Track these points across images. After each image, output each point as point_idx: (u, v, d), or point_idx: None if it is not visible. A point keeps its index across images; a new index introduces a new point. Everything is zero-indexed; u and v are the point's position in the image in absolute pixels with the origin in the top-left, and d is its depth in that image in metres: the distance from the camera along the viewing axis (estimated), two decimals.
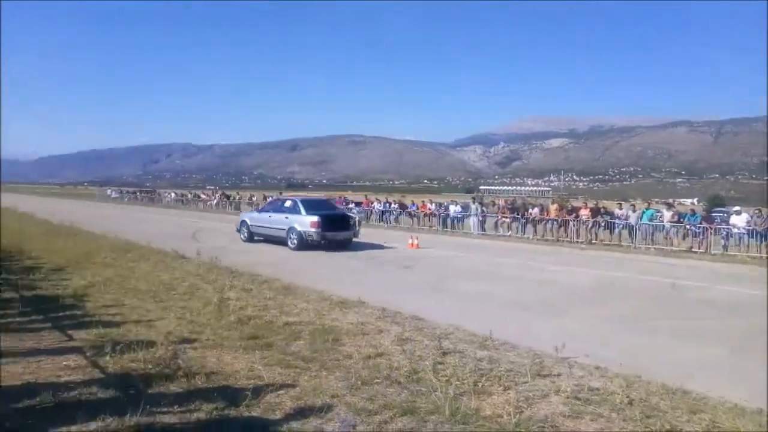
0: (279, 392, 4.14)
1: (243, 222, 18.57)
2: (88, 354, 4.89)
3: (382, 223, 29.66)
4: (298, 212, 16.51)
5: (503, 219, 24.38)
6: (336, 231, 16.39)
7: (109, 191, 79.10)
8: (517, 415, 3.83)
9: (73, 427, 3.36)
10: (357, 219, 18.57)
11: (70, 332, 5.67)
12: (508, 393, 4.26)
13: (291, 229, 16.22)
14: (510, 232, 23.69)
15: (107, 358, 4.76)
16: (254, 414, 3.72)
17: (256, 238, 17.76)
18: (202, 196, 54.24)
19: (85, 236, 16.48)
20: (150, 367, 4.57)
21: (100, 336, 5.42)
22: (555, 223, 22.56)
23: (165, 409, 3.71)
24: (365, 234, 18.81)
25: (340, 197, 39.96)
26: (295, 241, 15.92)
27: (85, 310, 6.74)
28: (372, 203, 32.86)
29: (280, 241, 16.58)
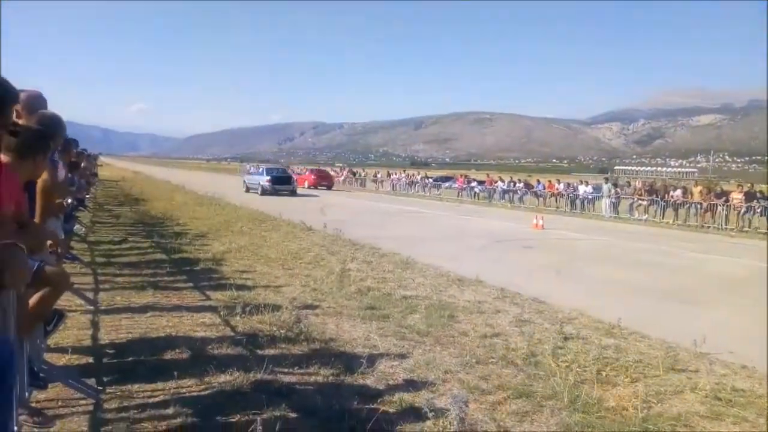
0: (393, 363, 4.19)
1: (244, 181, 32.36)
2: (221, 313, 5.29)
3: (505, 203, 28.93)
4: (263, 174, 29.98)
5: (639, 201, 22.67)
6: (281, 185, 28.63)
7: (248, 167, 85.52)
8: (645, 410, 3.53)
9: (205, 378, 3.65)
10: (295, 178, 32.56)
11: (208, 292, 6.17)
12: (636, 385, 3.95)
13: (259, 184, 28.83)
14: (646, 215, 21.99)
15: (238, 318, 5.11)
16: (368, 382, 3.79)
17: (251, 191, 29.38)
18: (331, 172, 56.56)
19: (225, 207, 17.90)
20: (275, 329, 4.82)
21: (233, 298, 5.82)
22: (700, 207, 20.52)
23: (286, 370, 3.90)
24: (486, 213, 18.52)
25: (461, 176, 39.62)
26: (259, 190, 28.31)
27: (222, 274, 7.30)
28: (495, 182, 32.13)
29: (255, 191, 28.60)
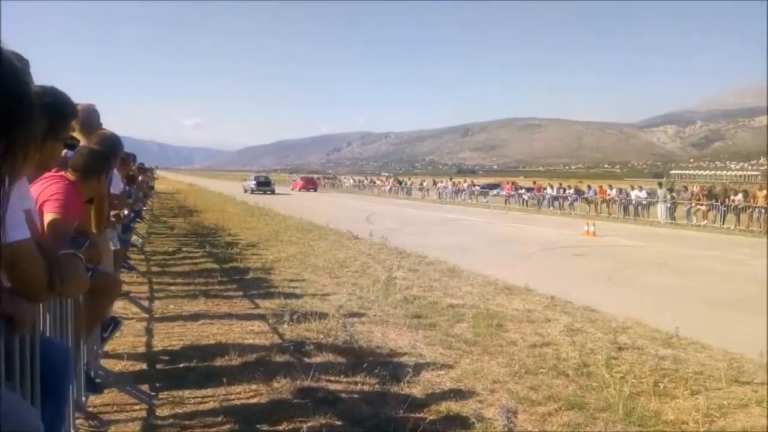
0: (439, 372, 4.13)
1: (243, 186, 45.18)
2: (270, 321, 5.36)
3: (554, 210, 28.32)
4: (252, 180, 44.96)
5: (698, 206, 21.74)
6: (264, 187, 42.20)
7: (296, 178, 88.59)
8: (707, 424, 3.35)
9: (253, 385, 3.69)
10: (273, 182, 46.45)
11: (257, 301, 6.27)
12: (697, 398, 3.75)
13: (250, 186, 42.86)
14: (705, 221, 21.08)
15: (285, 326, 5.17)
16: (414, 391, 3.74)
17: (245, 192, 40.98)
18: (377, 182, 57.02)
19: (275, 217, 18.24)
20: (321, 337, 4.85)
21: (282, 306, 5.90)
22: (764, 211, 19.50)
23: (332, 378, 3.90)
24: (534, 220, 18.18)
25: (508, 183, 39.14)
26: (249, 191, 41.06)
27: (271, 282, 7.41)
28: (544, 189, 31.53)
29: (248, 192, 40.81)
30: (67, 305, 2.27)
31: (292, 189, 51.04)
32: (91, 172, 3.06)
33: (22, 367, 1.62)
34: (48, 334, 2.09)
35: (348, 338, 4.81)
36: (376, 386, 3.80)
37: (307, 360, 4.27)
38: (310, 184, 53.63)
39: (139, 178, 10.63)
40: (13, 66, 1.09)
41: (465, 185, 40.03)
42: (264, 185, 43.10)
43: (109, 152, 3.46)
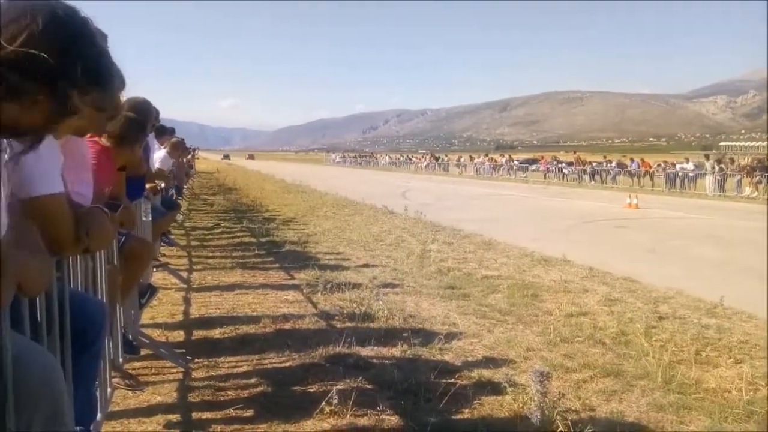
0: (472, 340, 4.10)
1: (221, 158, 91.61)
2: (304, 291, 5.42)
3: (595, 184, 27.62)
4: (221, 156, 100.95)
5: (748, 178, 20.85)
6: (226, 159, 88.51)
7: (333, 156, 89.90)
8: (751, 393, 3.22)
9: (286, 351, 3.74)
10: (230, 155, 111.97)
11: (292, 272, 6.34)
12: (740, 367, 3.61)
13: (221, 158, 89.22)
14: (756, 193, 20.21)
15: (319, 295, 5.22)
16: (446, 357, 3.73)
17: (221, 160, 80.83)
18: (414, 159, 56.93)
19: (311, 194, 18.40)
20: (355, 306, 4.87)
21: (316, 277, 5.94)
22: None
23: (364, 345, 3.91)
24: (574, 194, 17.85)
25: (542, 157, 38.56)
26: (221, 159, 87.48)
27: (306, 255, 7.48)
28: (585, 163, 30.78)
29: (222, 159, 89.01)
30: (96, 262, 2.32)
31: (246, 159, 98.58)
32: (125, 140, 3.10)
33: (50, 320, 1.65)
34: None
35: (381, 307, 4.82)
36: (408, 353, 3.79)
37: (339, 327, 4.30)
38: (251, 157, 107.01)
39: (181, 159, 10.82)
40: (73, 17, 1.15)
41: (503, 161, 39.40)
42: (226, 158, 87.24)
43: (143, 119, 3.48)
